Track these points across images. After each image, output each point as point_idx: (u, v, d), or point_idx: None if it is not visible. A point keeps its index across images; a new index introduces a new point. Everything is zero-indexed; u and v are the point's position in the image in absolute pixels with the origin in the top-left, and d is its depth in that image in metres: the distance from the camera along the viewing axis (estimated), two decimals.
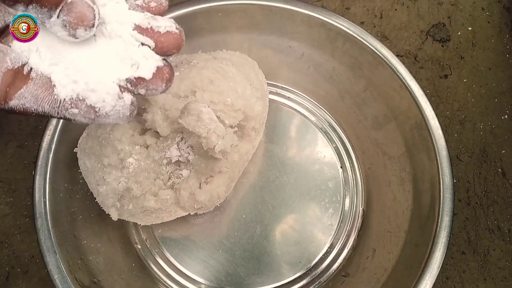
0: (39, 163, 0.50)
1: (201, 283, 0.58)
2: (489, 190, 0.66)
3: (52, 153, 0.50)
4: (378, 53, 0.55)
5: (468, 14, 0.75)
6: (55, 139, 0.51)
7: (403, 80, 0.53)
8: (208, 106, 0.48)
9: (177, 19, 0.54)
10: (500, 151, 0.68)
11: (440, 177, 0.49)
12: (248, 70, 0.55)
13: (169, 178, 0.49)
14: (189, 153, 0.48)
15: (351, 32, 0.56)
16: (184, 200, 0.49)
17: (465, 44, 0.74)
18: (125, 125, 0.47)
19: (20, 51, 0.28)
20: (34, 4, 0.26)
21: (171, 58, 0.43)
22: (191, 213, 0.54)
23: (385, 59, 0.54)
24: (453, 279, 0.63)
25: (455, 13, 0.75)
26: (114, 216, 0.50)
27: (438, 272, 0.45)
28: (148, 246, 0.59)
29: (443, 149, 0.50)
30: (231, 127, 0.50)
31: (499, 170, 0.67)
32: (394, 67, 0.54)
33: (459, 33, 0.74)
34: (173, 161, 0.48)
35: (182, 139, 0.47)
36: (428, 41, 0.74)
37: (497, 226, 0.65)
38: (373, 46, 0.55)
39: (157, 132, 0.47)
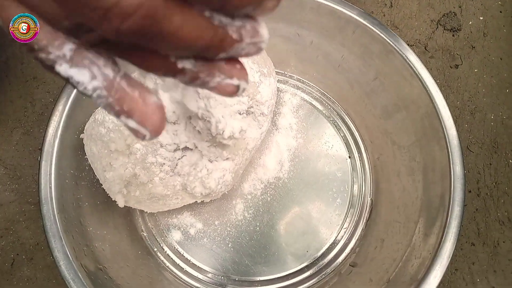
0: (45, 149, 0.49)
1: (207, 271, 0.58)
2: (500, 181, 0.65)
3: (58, 139, 0.50)
4: (388, 41, 0.54)
5: (479, 3, 0.74)
6: (61, 125, 0.50)
7: (414, 69, 0.52)
8: None
9: None
10: (511, 142, 0.67)
11: (451, 166, 0.48)
12: (257, 57, 0.54)
13: (177, 165, 0.49)
14: (197, 139, 0.47)
15: (361, 20, 0.55)
16: (192, 186, 0.49)
17: (476, 33, 0.73)
18: None
19: None
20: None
21: None
22: (198, 201, 0.54)
23: (395, 48, 0.53)
24: (462, 270, 0.62)
25: (467, 2, 0.74)
26: (121, 203, 0.50)
27: (448, 263, 0.45)
28: (154, 234, 0.59)
29: (454, 138, 0.49)
30: (239, 113, 0.49)
31: (510, 161, 0.66)
32: (405, 56, 0.53)
33: (470, 22, 0.73)
34: (181, 147, 0.48)
35: (190, 125, 0.46)
36: (438, 31, 0.73)
37: (508, 218, 0.64)
38: (383, 34, 0.54)
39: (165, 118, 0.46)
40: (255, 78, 0.51)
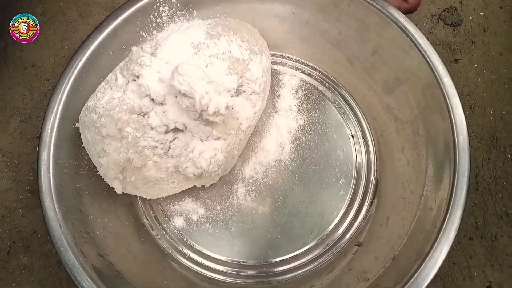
0: (43, 139, 0.49)
1: (210, 256, 0.58)
2: (498, 176, 0.66)
3: (55, 129, 0.50)
4: (385, 12, 0.53)
5: None
6: (58, 115, 0.50)
7: (413, 39, 0.52)
8: (206, 66, 0.47)
9: None
10: (510, 137, 0.67)
11: (455, 137, 0.48)
12: (248, 36, 0.54)
13: (169, 147, 0.49)
14: (185, 118, 0.47)
15: None
16: (183, 167, 0.49)
17: (476, 29, 0.73)
18: (120, 94, 0.47)
19: None
20: None
21: None
22: (197, 186, 0.54)
23: (392, 18, 0.53)
24: (459, 264, 0.63)
25: None
26: (118, 189, 0.50)
27: (454, 236, 0.44)
28: (156, 221, 0.59)
29: (458, 107, 0.48)
30: (228, 91, 0.49)
31: (509, 156, 0.66)
32: (403, 26, 0.52)
33: (471, 17, 0.74)
34: (170, 128, 0.48)
35: (177, 104, 0.46)
36: (439, 25, 0.73)
37: (505, 212, 0.64)
38: (379, 5, 0.53)
39: (153, 100, 0.46)
40: (244, 56, 0.51)
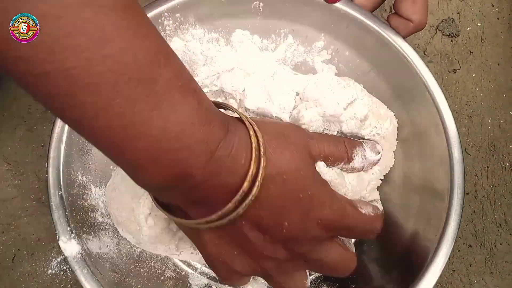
0: (51, 155, 0.49)
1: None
2: (497, 184, 0.66)
3: (63, 144, 0.49)
4: (382, 33, 0.54)
5: (477, 10, 0.76)
6: (65, 129, 0.50)
7: (409, 59, 0.53)
8: None
9: (180, 7, 0.54)
10: (508, 145, 0.68)
11: (450, 151, 0.49)
12: None
13: None
14: None
15: (354, 14, 0.55)
16: None
17: (474, 39, 0.74)
18: None
19: None
20: None
21: None
22: None
23: (389, 39, 0.54)
24: (459, 272, 0.63)
25: (465, 9, 0.76)
26: None
27: (454, 242, 0.46)
28: None
29: (451, 123, 0.50)
30: None
31: (507, 164, 0.67)
32: (399, 46, 0.53)
33: (468, 28, 0.74)
34: None
35: None
36: (437, 36, 0.74)
37: (504, 220, 0.65)
38: (377, 26, 0.55)
39: None
40: None
